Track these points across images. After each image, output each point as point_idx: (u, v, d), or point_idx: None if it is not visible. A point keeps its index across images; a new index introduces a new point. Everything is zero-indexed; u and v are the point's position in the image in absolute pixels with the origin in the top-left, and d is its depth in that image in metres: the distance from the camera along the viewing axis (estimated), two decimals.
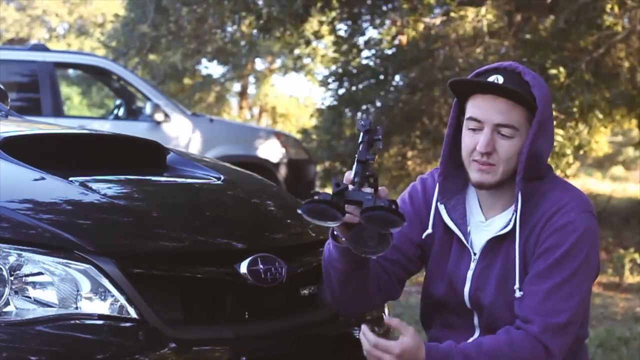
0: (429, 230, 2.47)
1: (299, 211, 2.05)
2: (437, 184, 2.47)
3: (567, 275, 2.29)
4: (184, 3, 12.04)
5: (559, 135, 9.23)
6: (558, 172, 9.03)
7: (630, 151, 24.55)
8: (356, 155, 2.16)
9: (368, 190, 2.13)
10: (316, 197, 2.06)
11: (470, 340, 2.38)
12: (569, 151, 9.38)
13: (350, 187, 2.11)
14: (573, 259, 2.30)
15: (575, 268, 2.30)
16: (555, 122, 9.21)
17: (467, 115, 2.37)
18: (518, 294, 2.33)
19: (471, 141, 2.36)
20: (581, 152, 10.50)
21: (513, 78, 2.33)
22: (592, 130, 10.56)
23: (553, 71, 9.11)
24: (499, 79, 2.33)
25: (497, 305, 2.37)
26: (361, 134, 2.19)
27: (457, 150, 2.42)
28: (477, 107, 2.35)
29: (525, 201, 2.35)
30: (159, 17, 13.36)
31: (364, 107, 11.67)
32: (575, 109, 9.44)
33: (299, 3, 9.73)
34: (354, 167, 2.14)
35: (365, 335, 2.19)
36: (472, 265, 2.42)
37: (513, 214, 2.35)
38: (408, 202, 2.54)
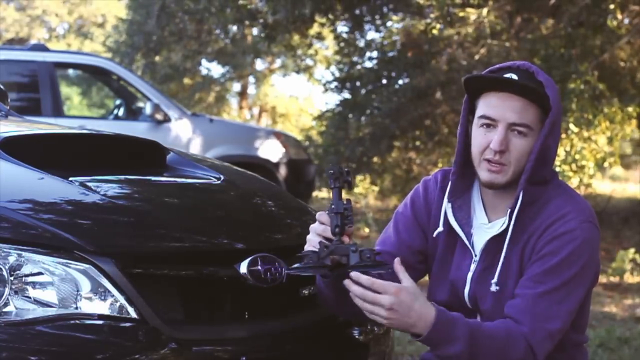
0: (440, 228, 2.46)
1: (287, 272, 2.28)
2: (450, 182, 2.45)
3: (559, 283, 2.28)
4: (187, 12, 12.03)
5: (583, 148, 9.22)
6: (580, 185, 9.03)
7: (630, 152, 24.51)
8: (332, 206, 2.22)
9: (348, 240, 2.25)
10: (303, 264, 2.21)
11: None
12: (591, 164, 9.35)
13: (333, 239, 2.23)
14: (568, 268, 2.28)
15: (569, 277, 2.28)
16: (576, 138, 9.20)
17: (478, 113, 2.35)
18: (494, 287, 2.33)
19: (483, 139, 2.34)
20: (605, 164, 10.46)
21: (527, 77, 2.32)
22: (613, 141, 10.51)
23: (571, 85, 9.09)
24: (513, 77, 2.31)
25: (496, 310, 2.36)
26: (331, 180, 2.24)
27: (466, 148, 2.41)
28: (491, 105, 2.33)
29: (527, 206, 2.34)
30: (164, 18, 13.37)
31: (367, 111, 11.68)
32: (597, 121, 9.42)
33: (306, 10, 9.67)
34: (333, 218, 2.22)
35: (360, 278, 2.17)
36: (473, 267, 2.41)
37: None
38: (409, 206, 2.53)
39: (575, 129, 9.16)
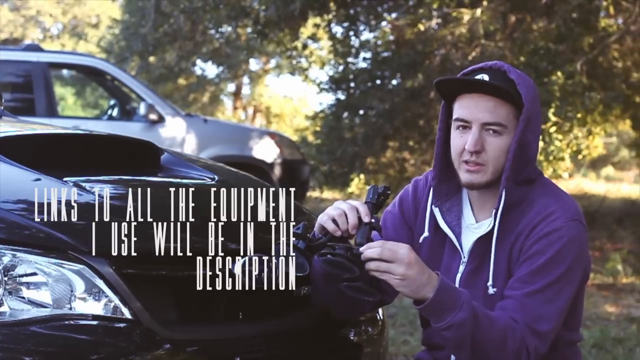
0: (426, 234, 2.46)
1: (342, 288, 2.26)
2: (431, 188, 2.47)
3: (548, 282, 2.28)
4: (182, 11, 12.03)
5: (557, 139, 9.23)
6: (553, 177, 9.03)
7: (624, 152, 24.58)
8: (372, 220, 2.29)
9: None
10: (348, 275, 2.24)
11: None
12: (566, 156, 9.36)
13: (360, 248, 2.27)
14: (556, 267, 2.29)
15: (557, 276, 2.28)
16: (554, 128, 9.22)
17: (454, 116, 2.37)
18: (491, 290, 2.34)
19: (460, 142, 2.36)
20: (580, 157, 10.50)
21: (498, 76, 2.33)
22: (592, 135, 10.56)
23: (553, 77, 9.11)
24: (484, 77, 2.33)
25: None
26: (373, 195, 2.34)
27: (449, 152, 2.42)
28: (464, 107, 2.35)
29: (513, 206, 2.34)
30: (160, 19, 13.36)
31: (361, 111, 11.69)
32: (573, 114, 9.44)
33: (296, 5, 9.68)
34: (364, 229, 2.29)
35: (371, 245, 2.20)
36: (461, 268, 2.42)
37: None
38: (397, 205, 2.56)
39: (554, 118, 9.18)
